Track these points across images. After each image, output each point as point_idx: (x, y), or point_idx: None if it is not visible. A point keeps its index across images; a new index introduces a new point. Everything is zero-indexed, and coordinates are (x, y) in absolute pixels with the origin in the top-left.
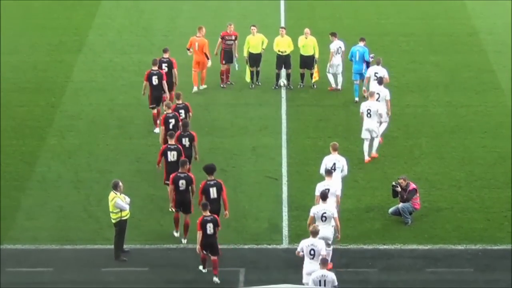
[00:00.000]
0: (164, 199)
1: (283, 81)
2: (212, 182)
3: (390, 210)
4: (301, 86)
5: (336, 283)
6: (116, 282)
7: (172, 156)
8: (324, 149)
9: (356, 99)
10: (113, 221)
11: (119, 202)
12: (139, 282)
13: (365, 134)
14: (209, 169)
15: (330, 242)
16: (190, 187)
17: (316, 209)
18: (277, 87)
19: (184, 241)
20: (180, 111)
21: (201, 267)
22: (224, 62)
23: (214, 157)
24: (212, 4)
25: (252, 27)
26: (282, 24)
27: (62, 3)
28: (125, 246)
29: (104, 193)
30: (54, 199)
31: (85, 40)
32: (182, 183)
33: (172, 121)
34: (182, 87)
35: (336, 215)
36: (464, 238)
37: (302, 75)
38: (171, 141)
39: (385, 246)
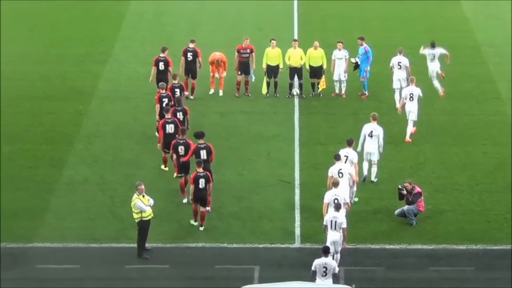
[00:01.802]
0: (184, 201)
1: (296, 90)
2: (202, 146)
3: (396, 212)
4: (313, 95)
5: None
6: (138, 279)
7: (170, 128)
8: (334, 154)
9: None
10: (136, 220)
11: (139, 204)
12: (160, 279)
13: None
14: (199, 135)
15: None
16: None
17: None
18: (290, 96)
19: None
20: (176, 89)
21: (192, 221)
22: (239, 73)
23: (231, 161)
24: (229, 18)
25: (272, 41)
26: (296, 37)
27: (89, 16)
28: (147, 245)
29: (128, 195)
30: (81, 200)
31: (111, 51)
32: (181, 148)
33: (166, 100)
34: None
35: (347, 199)
36: (466, 239)
37: (313, 85)
38: (168, 115)
39: (391, 246)
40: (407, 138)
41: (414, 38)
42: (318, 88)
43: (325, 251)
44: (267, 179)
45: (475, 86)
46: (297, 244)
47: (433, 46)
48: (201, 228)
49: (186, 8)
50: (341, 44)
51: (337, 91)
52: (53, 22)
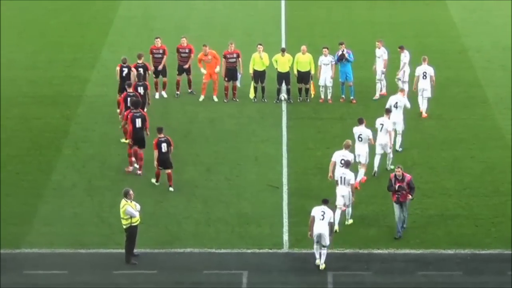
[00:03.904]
0: (173, 206)
1: (283, 95)
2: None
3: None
4: (300, 100)
5: (353, 181)
6: (126, 284)
7: (138, 123)
8: (322, 159)
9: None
10: (124, 227)
11: (129, 209)
12: (148, 284)
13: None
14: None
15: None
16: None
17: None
18: (278, 101)
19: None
20: (140, 69)
21: (153, 180)
22: (226, 79)
23: (219, 166)
24: (217, 23)
25: (258, 46)
26: (283, 42)
27: (77, 21)
28: (135, 250)
29: (116, 200)
30: (69, 206)
31: (99, 57)
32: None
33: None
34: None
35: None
36: (454, 243)
37: (300, 90)
38: (129, 89)
39: (379, 251)
40: (424, 114)
41: (402, 43)
42: (310, 94)
43: (325, 201)
44: (255, 184)
45: (463, 91)
46: (285, 249)
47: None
48: (171, 188)
49: (174, 13)
50: (326, 50)
51: (323, 96)
52: (41, 27)
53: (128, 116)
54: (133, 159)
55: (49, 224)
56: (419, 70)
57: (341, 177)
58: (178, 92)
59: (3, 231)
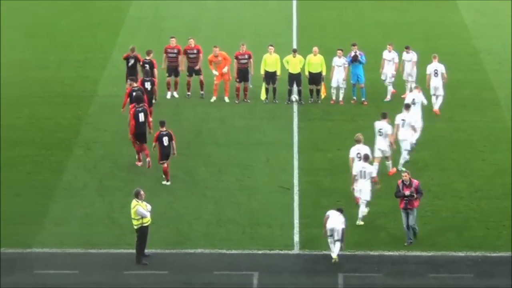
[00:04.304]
0: (184, 206)
1: (294, 96)
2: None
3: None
4: (311, 101)
5: (374, 175)
6: (137, 284)
7: (141, 117)
8: (333, 160)
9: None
10: (135, 227)
11: (140, 210)
12: (159, 284)
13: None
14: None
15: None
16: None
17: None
18: (289, 102)
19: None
20: (146, 65)
21: (165, 182)
22: (238, 80)
23: (230, 167)
24: (227, 24)
25: (269, 47)
26: (294, 43)
27: (87, 22)
28: (146, 251)
29: (127, 200)
30: (80, 206)
31: (109, 57)
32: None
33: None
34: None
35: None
36: (465, 246)
37: (311, 91)
38: (135, 84)
39: (390, 253)
40: (436, 109)
41: (413, 44)
42: (320, 95)
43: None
44: (266, 185)
45: (474, 93)
46: (296, 251)
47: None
48: (166, 182)
49: (185, 14)
50: (341, 51)
51: (334, 97)
52: (52, 28)
53: (131, 111)
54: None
55: (60, 224)
56: (430, 68)
57: (361, 171)
58: (189, 93)
59: (14, 230)
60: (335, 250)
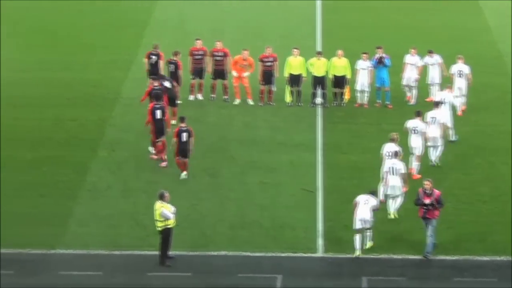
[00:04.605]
0: (208, 208)
1: (318, 99)
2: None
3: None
4: (335, 104)
5: (403, 171)
6: (161, 286)
7: (159, 114)
8: (357, 164)
9: None
10: (159, 229)
11: (165, 212)
12: (182, 287)
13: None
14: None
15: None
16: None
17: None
18: (313, 105)
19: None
20: (171, 65)
21: (183, 174)
22: (263, 83)
23: (254, 170)
24: (252, 26)
25: (294, 49)
26: (319, 46)
27: (112, 23)
28: (170, 253)
29: (151, 202)
30: (104, 207)
31: (134, 59)
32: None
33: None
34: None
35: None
36: (489, 250)
37: (335, 94)
38: (155, 83)
39: (414, 256)
40: (459, 112)
41: (436, 47)
42: (344, 98)
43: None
44: (289, 187)
45: (499, 97)
46: (319, 254)
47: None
48: (185, 175)
49: (210, 16)
50: (366, 55)
51: (359, 101)
52: (76, 29)
53: (149, 108)
54: (164, 155)
55: (84, 225)
56: (454, 69)
57: (391, 168)
58: (214, 95)
59: (39, 231)
60: (367, 239)
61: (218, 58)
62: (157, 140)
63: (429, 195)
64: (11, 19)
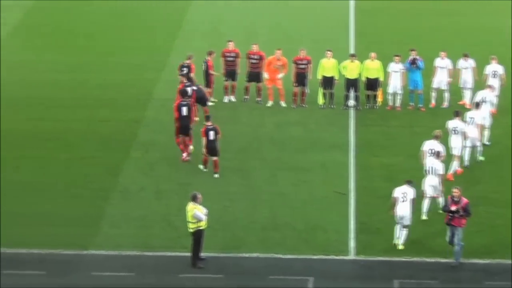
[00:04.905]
0: (240, 210)
1: (351, 101)
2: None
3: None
4: (368, 107)
5: (441, 172)
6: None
7: (185, 111)
8: (389, 167)
9: None
10: (191, 230)
11: (197, 213)
12: None
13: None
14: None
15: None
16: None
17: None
18: (346, 107)
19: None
20: (184, 68)
21: (201, 166)
22: (296, 84)
23: (285, 172)
24: (285, 28)
25: (327, 51)
26: (352, 48)
27: (145, 25)
28: (201, 254)
29: (183, 203)
30: (136, 208)
31: (167, 61)
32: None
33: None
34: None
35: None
36: None
37: (368, 97)
38: (186, 81)
39: (446, 260)
40: (493, 109)
41: (469, 50)
42: (377, 101)
43: (408, 182)
44: (322, 190)
45: None
46: (351, 256)
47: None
48: (216, 175)
49: (243, 19)
50: (398, 57)
51: (391, 103)
52: (109, 31)
53: (175, 104)
54: (183, 146)
55: (116, 227)
56: (488, 69)
57: (430, 167)
58: (247, 97)
59: (71, 232)
60: (401, 239)
61: (253, 61)
62: (179, 134)
63: (456, 203)
64: (45, 20)
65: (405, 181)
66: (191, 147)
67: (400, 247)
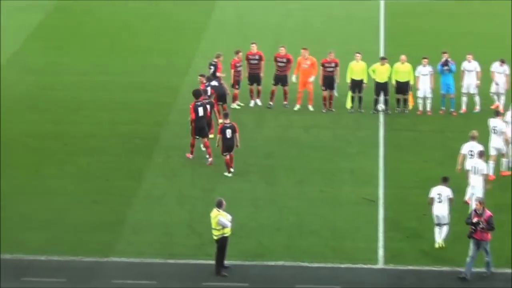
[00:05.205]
0: (265, 217)
1: (381, 106)
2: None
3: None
4: (398, 111)
5: (485, 172)
6: None
7: (201, 111)
8: (419, 173)
9: None
10: (215, 237)
11: (222, 220)
12: None
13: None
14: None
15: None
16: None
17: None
18: (375, 111)
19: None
20: (211, 66)
21: (226, 173)
22: (324, 88)
23: (313, 178)
24: (313, 30)
25: (356, 54)
26: (382, 51)
27: (169, 26)
28: (226, 262)
29: (207, 210)
30: (159, 214)
31: (191, 63)
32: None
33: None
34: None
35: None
36: None
37: (398, 101)
38: (205, 80)
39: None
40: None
41: (504, 54)
42: (407, 105)
43: (444, 180)
44: (350, 196)
45: None
46: (380, 265)
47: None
48: (230, 173)
49: (270, 20)
50: (426, 60)
51: (421, 108)
52: (133, 31)
53: (191, 105)
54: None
55: (138, 233)
56: None
57: (473, 167)
58: (272, 103)
59: (92, 238)
60: (441, 235)
61: (281, 64)
62: (196, 136)
63: (479, 216)
64: (66, 21)
65: (441, 179)
66: (210, 159)
67: (441, 244)
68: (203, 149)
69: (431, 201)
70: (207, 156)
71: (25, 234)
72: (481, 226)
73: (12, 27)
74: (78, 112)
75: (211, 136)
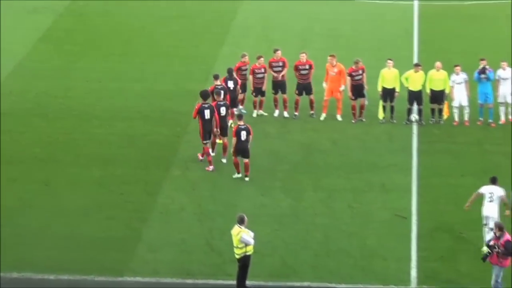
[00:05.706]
0: (290, 235)
1: (414, 116)
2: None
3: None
4: (433, 121)
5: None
6: None
7: (207, 114)
8: (456, 188)
9: None
10: (237, 256)
11: (245, 237)
12: None
13: None
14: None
15: None
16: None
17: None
18: (408, 122)
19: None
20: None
21: (236, 175)
22: (353, 98)
23: (341, 192)
24: (342, 35)
25: (388, 61)
26: (415, 57)
27: (189, 30)
28: (248, 282)
29: (228, 226)
30: (176, 231)
31: (212, 69)
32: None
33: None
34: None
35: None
36: None
37: (433, 110)
38: (217, 82)
39: None
40: None
41: None
42: (443, 115)
43: (493, 180)
44: (381, 213)
45: None
46: (413, 286)
47: None
48: (247, 179)
49: (296, 25)
50: (459, 67)
51: (457, 118)
52: (151, 36)
53: (196, 106)
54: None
55: (154, 251)
56: None
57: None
58: (297, 113)
59: (105, 257)
60: (487, 236)
61: (303, 71)
62: (204, 142)
63: (497, 239)
64: (78, 24)
65: (490, 180)
66: (212, 153)
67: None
68: (213, 154)
69: (476, 196)
70: (208, 163)
71: (34, 251)
72: (496, 249)
73: (20, 30)
74: (91, 121)
75: (219, 141)
